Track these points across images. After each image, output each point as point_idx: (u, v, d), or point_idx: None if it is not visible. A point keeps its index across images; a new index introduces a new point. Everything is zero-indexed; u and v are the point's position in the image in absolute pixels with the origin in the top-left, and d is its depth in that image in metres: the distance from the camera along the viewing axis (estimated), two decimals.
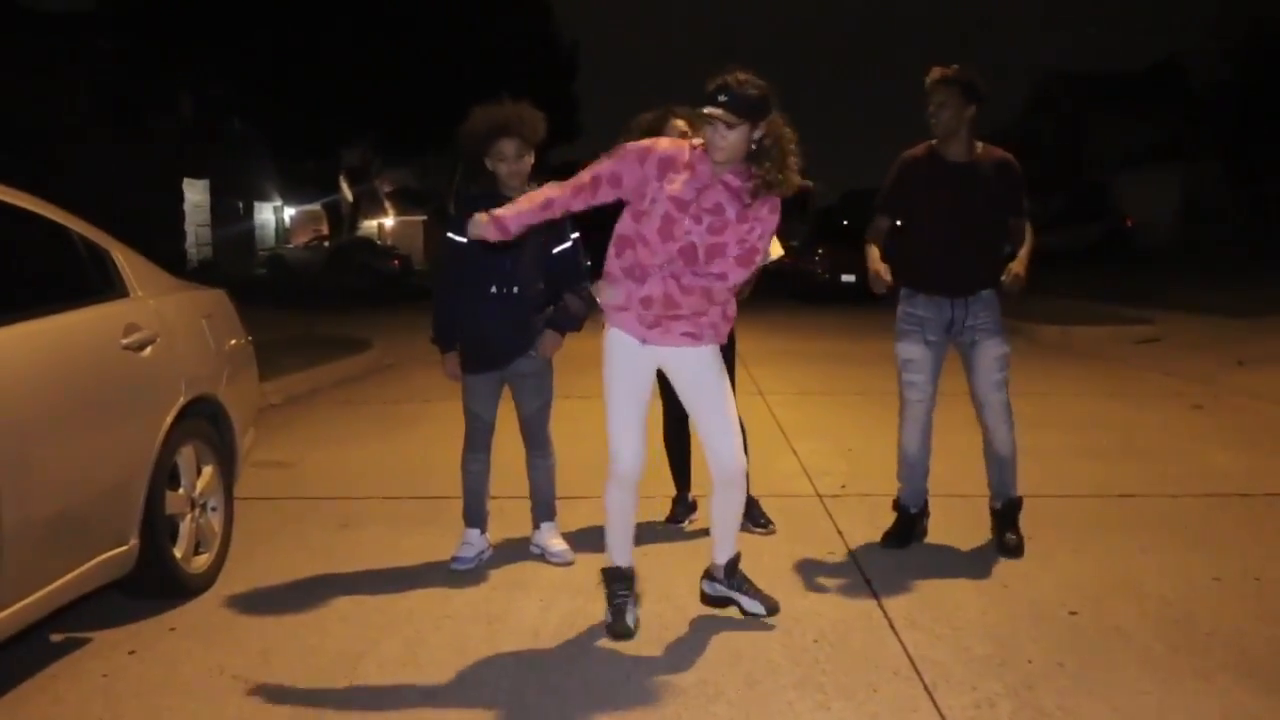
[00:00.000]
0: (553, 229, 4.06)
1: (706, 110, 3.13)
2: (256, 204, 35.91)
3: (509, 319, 4.10)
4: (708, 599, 3.63)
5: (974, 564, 4.15)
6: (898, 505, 4.45)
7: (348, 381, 10.38)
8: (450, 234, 4.16)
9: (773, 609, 3.54)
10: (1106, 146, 38.16)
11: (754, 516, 4.64)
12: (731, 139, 3.15)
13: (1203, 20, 34.22)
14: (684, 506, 4.79)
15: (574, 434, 5.36)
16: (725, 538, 3.57)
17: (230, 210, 32.34)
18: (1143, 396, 8.49)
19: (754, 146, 3.20)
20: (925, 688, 3.00)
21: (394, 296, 24.12)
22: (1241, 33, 27.57)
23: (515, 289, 4.09)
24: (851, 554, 4.32)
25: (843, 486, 5.46)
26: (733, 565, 3.58)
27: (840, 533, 4.62)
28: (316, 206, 35.28)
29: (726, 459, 3.41)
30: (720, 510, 3.52)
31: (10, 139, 23.29)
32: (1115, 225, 35.22)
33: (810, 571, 4.08)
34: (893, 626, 3.48)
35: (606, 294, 3.30)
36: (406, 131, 28.71)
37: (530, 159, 4.09)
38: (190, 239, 29.93)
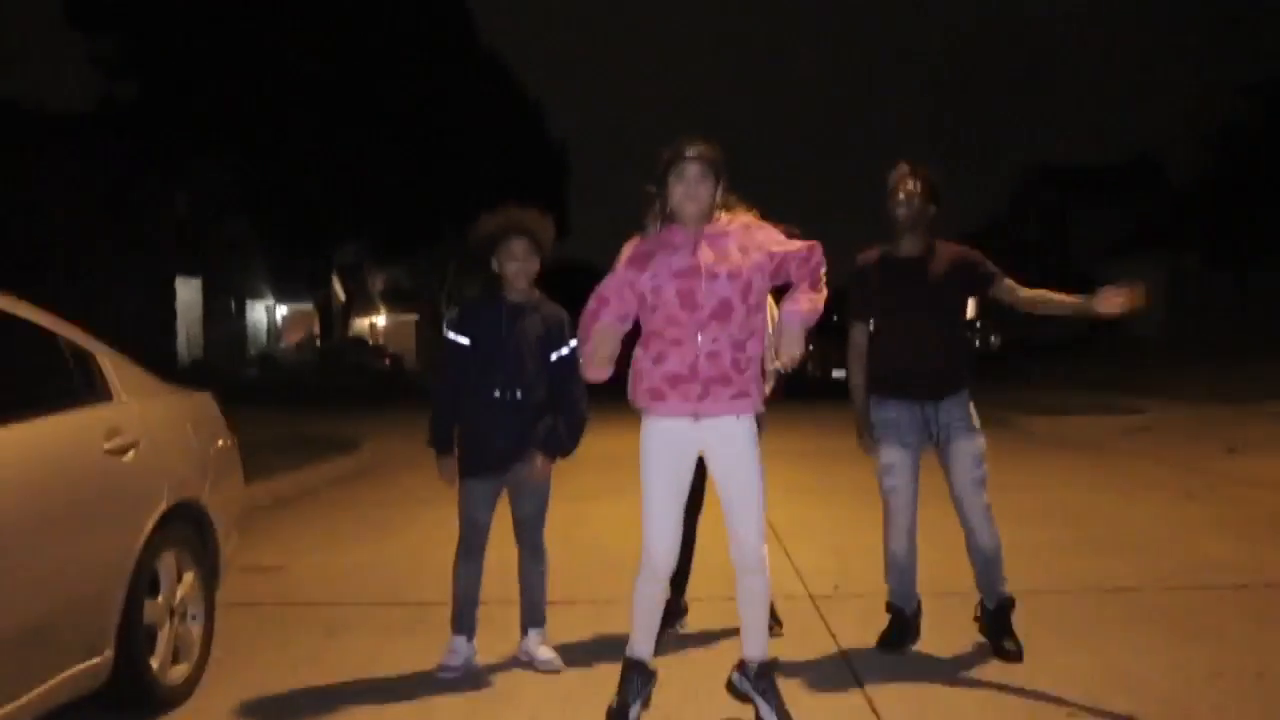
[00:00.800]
0: (552, 334, 4.11)
1: (683, 165, 3.30)
2: (249, 302, 36.08)
3: (512, 423, 4.07)
4: (731, 689, 3.52)
5: (968, 664, 4.08)
6: (891, 608, 4.36)
7: (336, 483, 10.31)
8: (451, 335, 4.17)
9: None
10: (1090, 238, 38.79)
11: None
12: (705, 192, 3.31)
13: (1179, 115, 35.15)
14: (675, 613, 4.69)
15: (568, 537, 5.29)
16: (755, 631, 3.44)
17: (223, 308, 32.47)
18: (1135, 486, 8.46)
19: (718, 204, 3.38)
20: None
21: (386, 396, 24.10)
22: (1216, 127, 28.27)
23: (519, 393, 4.08)
24: (844, 656, 4.24)
25: (835, 586, 5.38)
26: (765, 668, 3.43)
27: (833, 634, 4.54)
28: (309, 305, 35.46)
29: (752, 543, 3.34)
30: (745, 601, 3.43)
31: (5, 237, 23.51)
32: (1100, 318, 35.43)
33: (803, 676, 3.99)
34: None
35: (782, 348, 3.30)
36: (400, 230, 29.08)
37: (537, 261, 4.13)
38: (182, 338, 29.98)
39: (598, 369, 3.40)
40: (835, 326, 4.65)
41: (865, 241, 4.49)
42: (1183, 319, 32.03)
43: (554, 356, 4.15)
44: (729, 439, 3.37)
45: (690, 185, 3.31)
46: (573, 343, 4.13)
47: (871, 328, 4.37)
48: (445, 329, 4.26)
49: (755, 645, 3.46)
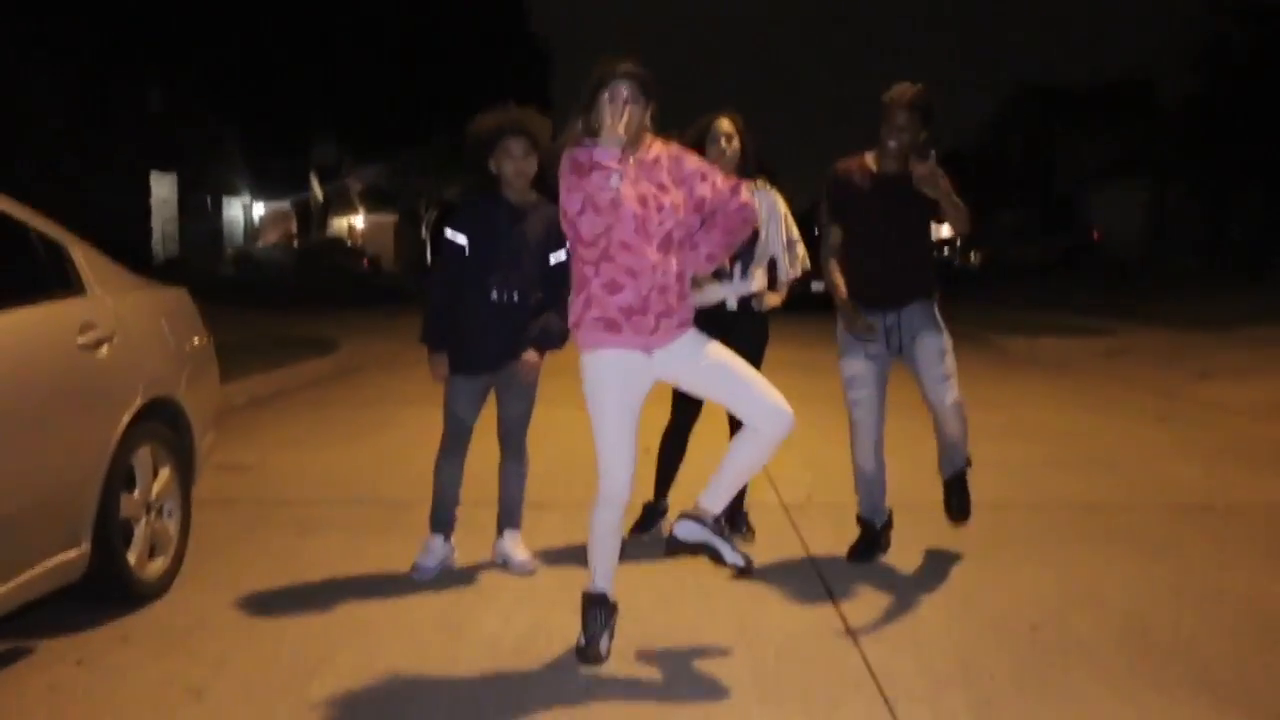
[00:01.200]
0: (551, 236, 4.01)
1: (617, 85, 3.19)
2: (226, 199, 35.47)
3: (507, 325, 4.04)
4: (676, 545, 3.35)
5: (937, 576, 4.16)
6: (860, 520, 4.43)
7: (314, 383, 10.29)
8: (450, 233, 4.11)
9: (749, 565, 3.35)
10: (1074, 160, 38.59)
11: (736, 524, 4.63)
12: (637, 113, 3.21)
13: (1168, 35, 34.67)
14: (656, 514, 4.76)
15: (544, 441, 5.30)
16: (731, 487, 3.34)
17: (199, 206, 31.91)
18: (1108, 408, 8.56)
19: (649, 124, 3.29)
20: (886, 703, 2.98)
21: (364, 297, 23.94)
22: (1206, 47, 27.93)
23: (515, 296, 4.04)
24: (815, 565, 4.32)
25: (808, 495, 5.45)
26: (719, 519, 3.36)
27: (804, 543, 4.61)
28: (286, 204, 34.95)
29: (780, 412, 3.23)
30: (743, 459, 3.29)
31: None
32: (1082, 239, 35.64)
33: (773, 583, 4.05)
34: (855, 640, 3.46)
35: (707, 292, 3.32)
36: (379, 129, 28.57)
37: (535, 161, 4.03)
38: (157, 234, 29.51)
39: None
40: (815, 239, 4.62)
41: (846, 153, 4.47)
42: (1165, 243, 32.14)
43: (552, 259, 4.09)
44: (686, 353, 3.30)
45: (620, 105, 3.18)
46: (567, 245, 4.05)
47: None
48: (443, 227, 4.18)
49: (718, 501, 3.34)
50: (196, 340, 4.40)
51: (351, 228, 41.75)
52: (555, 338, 4.10)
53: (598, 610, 3.31)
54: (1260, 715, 2.95)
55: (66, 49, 24.25)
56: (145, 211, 28.87)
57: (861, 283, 4.29)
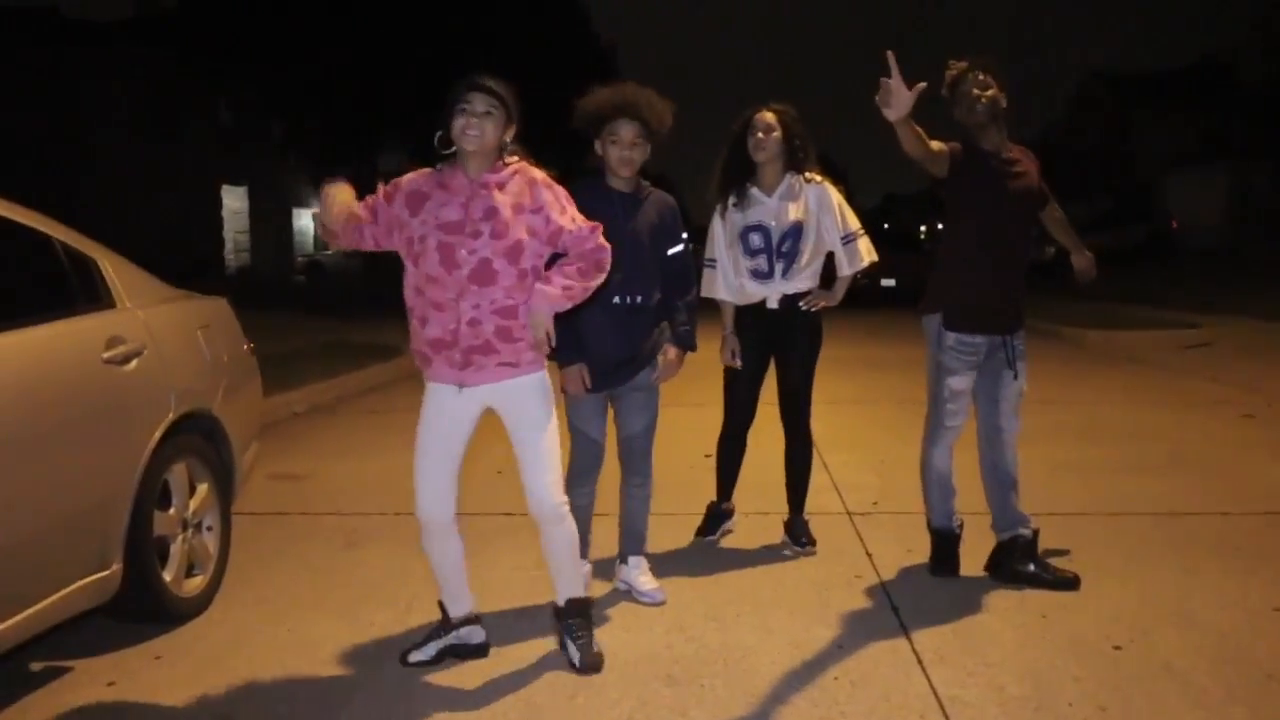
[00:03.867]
0: (666, 227, 3.73)
1: (468, 96, 3.01)
2: (295, 210, 36.08)
3: (631, 330, 3.68)
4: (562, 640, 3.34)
5: (1009, 591, 3.87)
6: (938, 530, 4.11)
7: (374, 390, 10.26)
8: None
9: (588, 667, 3.19)
10: (1151, 147, 37.44)
11: (796, 535, 4.43)
12: (489, 130, 3.02)
13: (1248, 17, 33.42)
14: (721, 516, 4.60)
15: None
16: (560, 578, 3.31)
17: (268, 216, 32.48)
18: (1191, 405, 8.13)
19: (506, 143, 3.09)
20: None
21: None
22: None
23: (639, 298, 3.68)
24: (880, 578, 4.07)
25: (874, 504, 5.20)
26: (570, 606, 3.30)
27: (869, 555, 4.36)
28: None
29: (542, 496, 3.16)
30: (548, 552, 3.28)
31: (52, 146, 23.55)
32: (1160, 227, 34.54)
33: (835, 598, 3.83)
34: (920, 662, 3.22)
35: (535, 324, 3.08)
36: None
37: (646, 150, 3.63)
38: (229, 245, 30.10)
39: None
40: (886, 235, 4.36)
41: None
42: (1247, 231, 30.97)
43: (670, 251, 3.76)
44: (505, 401, 3.17)
45: (470, 119, 3.00)
46: (684, 236, 3.80)
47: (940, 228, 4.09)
48: None
49: (562, 589, 3.32)
50: (236, 351, 4.30)
51: None
52: (692, 337, 3.82)
53: (441, 626, 3.33)
54: None
55: (137, 68, 24.80)
56: (218, 223, 29.47)
57: (980, 309, 3.89)
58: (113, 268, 3.63)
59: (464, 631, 3.33)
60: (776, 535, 4.57)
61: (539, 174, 3.17)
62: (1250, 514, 4.88)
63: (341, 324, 16.75)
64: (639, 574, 3.90)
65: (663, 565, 4.15)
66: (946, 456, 4.06)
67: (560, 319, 3.44)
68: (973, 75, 3.81)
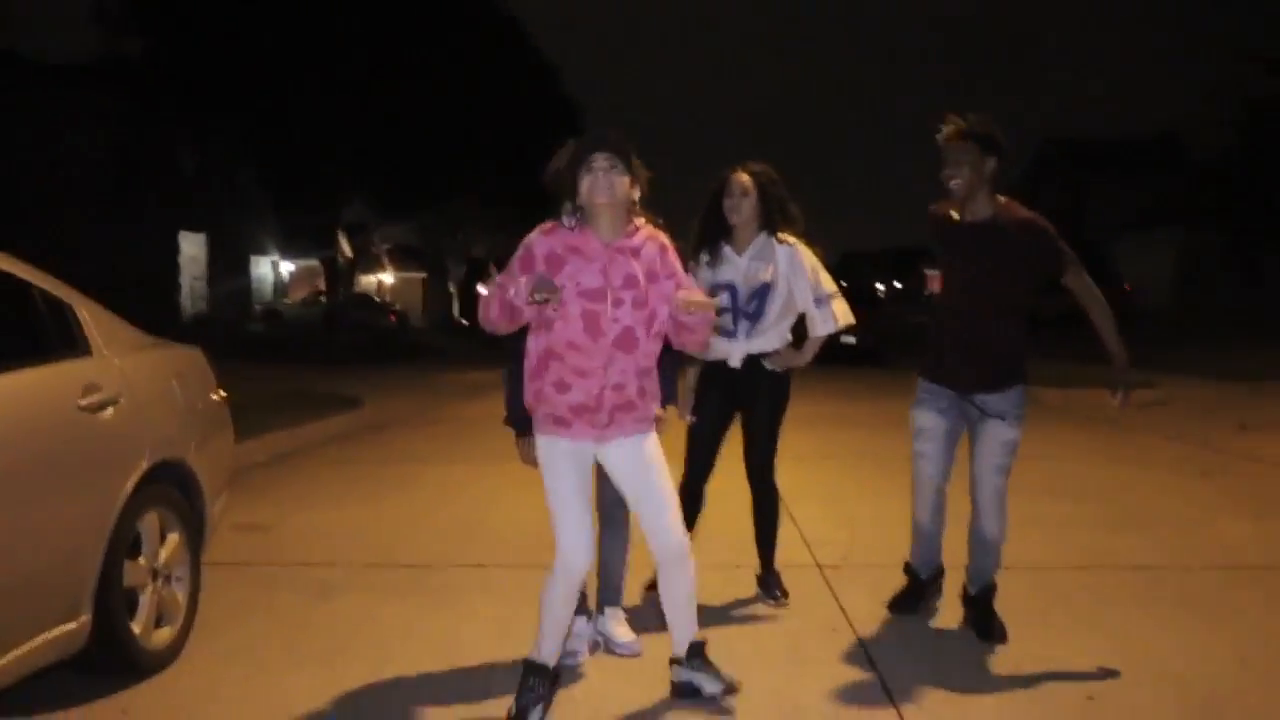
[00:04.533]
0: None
1: (592, 157, 3.06)
2: (254, 258, 35.86)
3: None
4: (677, 689, 3.36)
5: (982, 645, 3.90)
6: (908, 569, 4.24)
7: (335, 440, 10.17)
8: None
9: (731, 687, 3.29)
10: (1106, 213, 38.43)
11: (769, 588, 4.44)
12: (618, 184, 3.07)
13: (1202, 92, 34.54)
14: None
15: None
16: (680, 623, 3.33)
17: (227, 264, 32.25)
18: (1149, 462, 8.29)
19: (636, 196, 3.15)
20: None
21: (390, 354, 23.95)
22: (1241, 105, 27.75)
23: None
24: (855, 631, 4.08)
25: (843, 557, 5.23)
26: (695, 650, 3.34)
27: (843, 609, 4.38)
28: (314, 261, 35.26)
29: (674, 535, 3.21)
30: (670, 594, 3.29)
31: (6, 191, 23.28)
32: (1115, 290, 35.29)
33: (812, 652, 3.83)
34: (900, 715, 3.24)
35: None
36: (407, 188, 28.73)
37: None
38: (185, 292, 29.80)
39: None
40: (844, 292, 4.40)
41: (886, 228, 4.27)
42: (1194, 296, 31.73)
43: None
44: (627, 455, 3.24)
45: (598, 176, 3.06)
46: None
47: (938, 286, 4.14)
48: (472, 282, 3.89)
49: (682, 635, 3.34)
50: (210, 400, 4.27)
51: (380, 284, 42.06)
52: (672, 391, 3.81)
53: (537, 680, 3.19)
54: None
55: (99, 114, 24.68)
56: (174, 270, 29.20)
57: (942, 360, 4.01)
58: (89, 314, 3.60)
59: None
60: (748, 589, 4.58)
61: (665, 239, 3.23)
62: (1211, 568, 4.97)
63: (301, 373, 16.62)
64: (616, 625, 3.88)
65: (633, 618, 4.14)
66: (923, 506, 4.15)
67: (519, 382, 3.44)
68: (953, 148, 3.84)
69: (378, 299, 38.80)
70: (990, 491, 3.97)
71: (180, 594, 3.82)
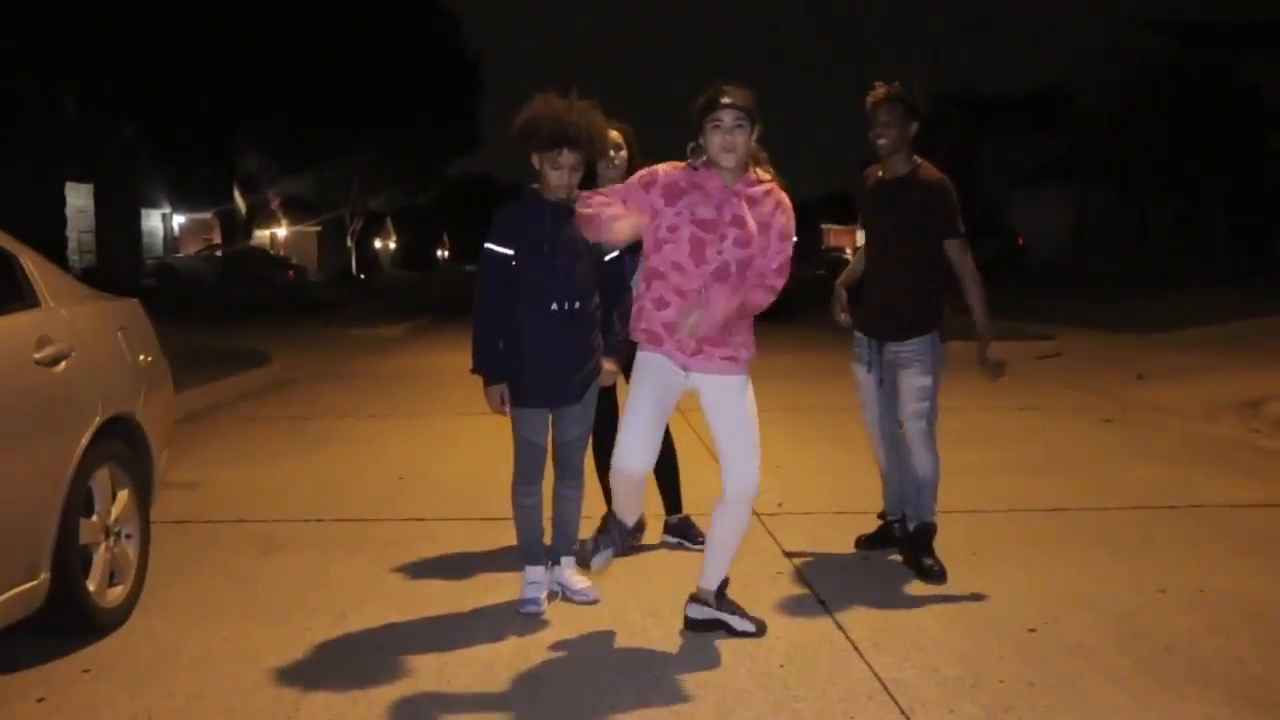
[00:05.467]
0: None
1: (719, 114, 3.26)
2: (144, 210, 34.50)
3: (574, 339, 3.70)
4: (692, 624, 3.54)
5: (923, 582, 4.10)
6: (882, 515, 4.51)
7: (249, 397, 9.98)
8: (491, 245, 3.70)
9: (761, 628, 3.50)
10: (999, 167, 39.46)
11: (689, 534, 4.55)
12: (741, 141, 3.28)
13: (1091, 51, 35.57)
14: (639, 529, 4.60)
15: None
16: (721, 560, 3.52)
17: (116, 216, 30.97)
18: (1054, 411, 8.67)
19: (755, 147, 3.35)
20: (902, 711, 2.91)
21: (290, 309, 23.39)
22: (1127, 63, 28.71)
23: (578, 303, 3.68)
24: (800, 573, 4.24)
25: (779, 504, 5.38)
26: (722, 589, 3.53)
27: (785, 552, 4.53)
28: (208, 214, 34.11)
29: (747, 478, 3.39)
30: (723, 531, 3.48)
31: None
32: (1008, 243, 36.40)
33: (762, 592, 3.97)
34: (856, 648, 3.39)
35: (690, 322, 3.29)
36: (303, 141, 27.94)
37: (581, 172, 3.72)
38: (73, 245, 28.55)
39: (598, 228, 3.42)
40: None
41: None
42: (1086, 250, 32.94)
43: (607, 257, 3.76)
44: (718, 392, 3.42)
45: (726, 134, 3.28)
46: None
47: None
48: (370, 237, 3.93)
49: (714, 576, 3.53)
50: (151, 354, 4.17)
51: (274, 238, 40.93)
52: (621, 344, 3.83)
53: (614, 524, 3.56)
54: (1273, 713, 2.94)
55: None
56: (61, 223, 27.93)
57: (862, 306, 4.28)
58: (35, 266, 3.49)
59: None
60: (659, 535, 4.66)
61: (786, 200, 3.40)
62: (1123, 508, 5.26)
63: (202, 329, 16.13)
64: (571, 574, 3.93)
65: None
66: (878, 450, 4.41)
67: (501, 333, 3.65)
68: (882, 109, 4.10)
69: (273, 253, 37.78)
70: (913, 433, 4.19)
71: (131, 550, 3.77)
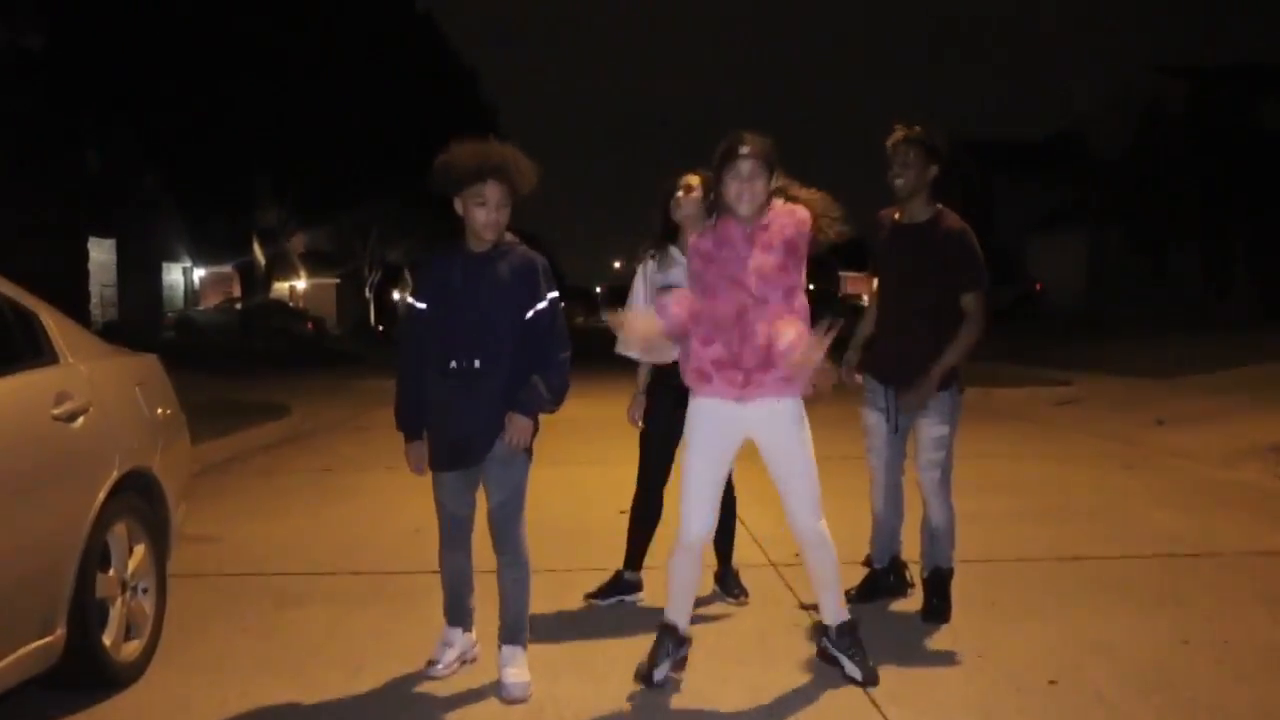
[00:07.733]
0: (524, 286, 3.47)
1: (737, 163, 3.35)
2: (165, 264, 34.93)
3: (471, 399, 3.41)
4: (820, 654, 3.68)
5: (944, 633, 4.06)
6: (867, 561, 4.45)
7: (267, 450, 10.01)
8: (409, 299, 3.60)
9: (869, 678, 3.50)
10: (1014, 213, 39.50)
11: (728, 586, 4.52)
12: (759, 188, 3.38)
13: (1102, 95, 35.74)
14: (623, 588, 4.55)
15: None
16: (825, 597, 3.60)
17: (137, 270, 31.36)
18: (1073, 457, 8.60)
19: (771, 194, 3.44)
20: None
21: (309, 361, 23.53)
22: (1138, 108, 28.82)
23: (476, 362, 3.40)
24: (819, 625, 4.19)
25: (796, 555, 5.31)
26: (845, 627, 3.58)
27: (803, 604, 4.49)
28: (227, 268, 34.47)
29: (805, 520, 3.50)
30: (814, 568, 3.60)
31: None
32: (1025, 289, 36.38)
33: (778, 643, 3.94)
34: (874, 702, 3.35)
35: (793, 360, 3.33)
36: (323, 192, 28.31)
37: (509, 212, 3.45)
38: (95, 299, 28.91)
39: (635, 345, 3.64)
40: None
41: None
42: (1102, 293, 32.82)
43: (528, 314, 3.46)
44: (773, 418, 3.46)
45: (744, 182, 3.37)
46: (550, 295, 3.52)
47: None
48: (390, 291, 3.90)
49: (828, 613, 3.60)
50: (168, 408, 4.21)
51: (293, 290, 41.28)
52: (543, 400, 3.47)
53: (666, 639, 3.51)
54: None
55: (6, 119, 23.79)
56: (83, 276, 28.29)
57: (875, 351, 4.29)
58: (54, 322, 3.54)
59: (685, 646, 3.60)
60: (706, 587, 4.64)
61: (803, 211, 3.46)
62: (1144, 557, 5.21)
63: (221, 381, 16.24)
64: (508, 667, 3.47)
65: (601, 616, 4.21)
66: (877, 497, 4.36)
67: (420, 391, 3.55)
68: (900, 151, 4.09)
69: (292, 305, 38.08)
70: (928, 483, 4.18)
71: (148, 605, 3.77)
